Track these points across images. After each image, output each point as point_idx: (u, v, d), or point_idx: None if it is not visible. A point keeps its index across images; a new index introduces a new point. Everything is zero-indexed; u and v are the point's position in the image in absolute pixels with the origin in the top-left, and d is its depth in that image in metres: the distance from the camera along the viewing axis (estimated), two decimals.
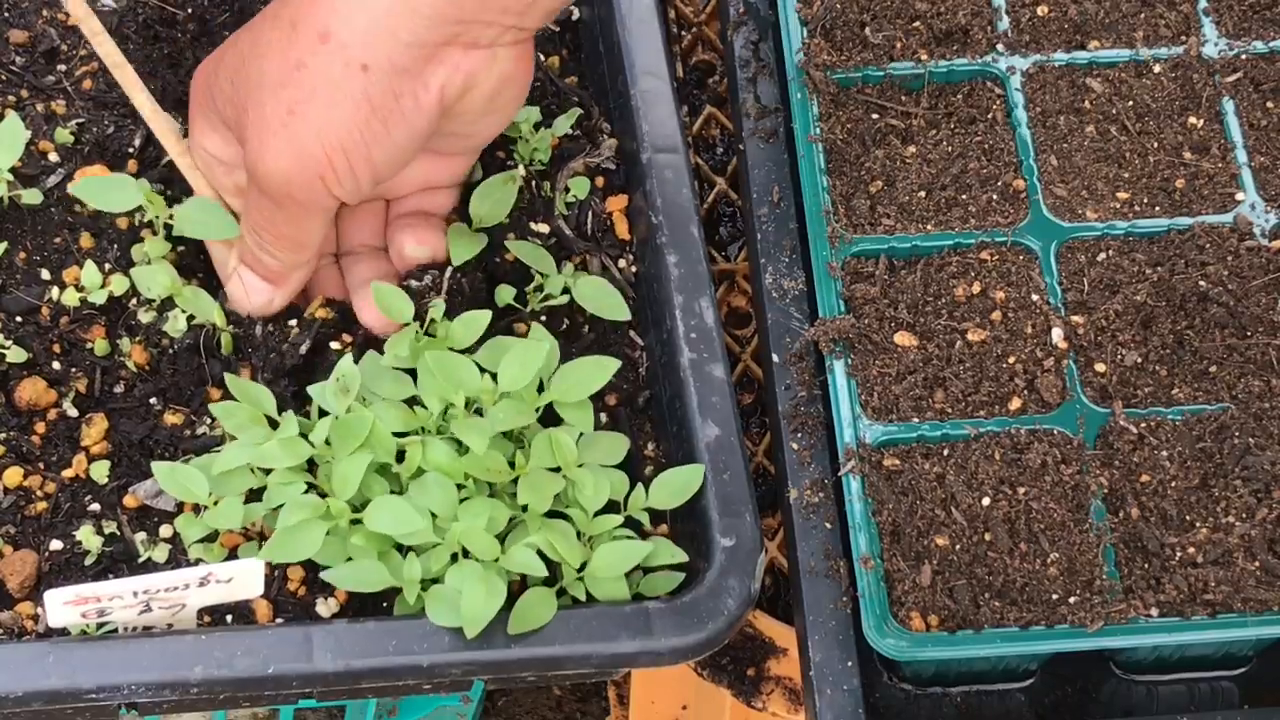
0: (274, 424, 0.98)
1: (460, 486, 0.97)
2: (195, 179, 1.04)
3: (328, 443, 0.97)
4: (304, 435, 0.98)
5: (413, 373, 1.01)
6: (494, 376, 0.99)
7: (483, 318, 1.02)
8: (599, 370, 1.01)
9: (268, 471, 0.97)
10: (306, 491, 0.97)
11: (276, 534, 0.95)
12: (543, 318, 1.06)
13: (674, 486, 0.99)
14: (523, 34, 0.97)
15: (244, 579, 0.92)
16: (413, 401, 1.00)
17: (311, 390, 1.00)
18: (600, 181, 1.13)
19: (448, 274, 1.04)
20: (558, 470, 0.98)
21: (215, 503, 0.97)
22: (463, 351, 1.01)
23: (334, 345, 1.03)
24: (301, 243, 1.01)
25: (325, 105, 0.93)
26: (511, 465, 0.98)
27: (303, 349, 1.02)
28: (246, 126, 0.96)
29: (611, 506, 0.99)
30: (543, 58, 1.17)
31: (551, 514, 0.98)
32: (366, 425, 0.97)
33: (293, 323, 1.04)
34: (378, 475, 0.97)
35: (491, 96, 0.98)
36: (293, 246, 1.01)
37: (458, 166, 1.07)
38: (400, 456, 0.97)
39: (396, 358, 1.00)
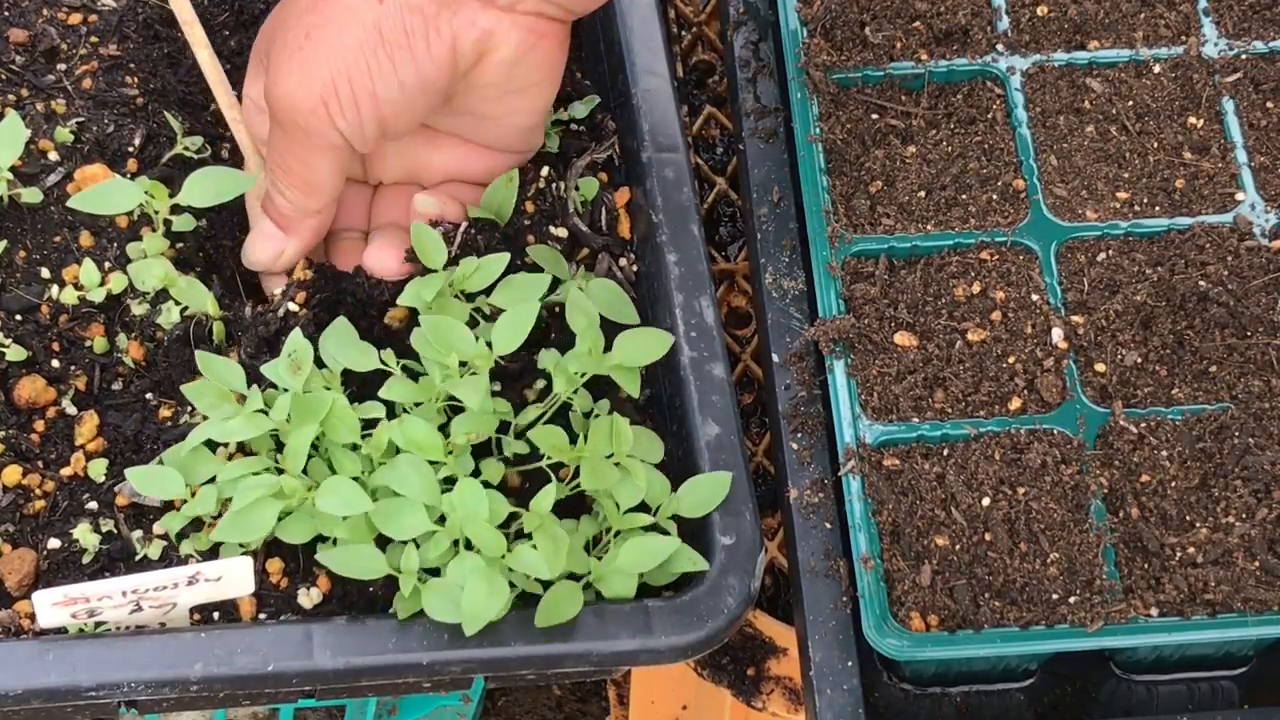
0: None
1: (436, 464, 0.95)
2: (238, 131, 1.07)
3: (289, 420, 0.96)
4: (266, 411, 0.97)
5: (401, 336, 1.01)
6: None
7: (499, 262, 1.02)
8: (658, 343, 1.02)
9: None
10: (266, 471, 0.96)
11: (228, 514, 0.94)
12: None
13: (701, 493, 0.98)
14: (548, 8, 0.97)
15: (233, 577, 0.92)
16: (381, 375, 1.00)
17: (265, 369, 0.99)
18: (604, 177, 1.13)
19: (462, 228, 1.03)
20: (610, 457, 0.97)
21: (193, 494, 0.97)
22: (474, 296, 1.01)
23: (291, 306, 1.03)
24: (311, 182, 1.01)
25: (338, 30, 0.95)
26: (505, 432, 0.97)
27: (280, 313, 1.02)
28: (272, 56, 0.99)
29: (638, 505, 0.98)
30: None
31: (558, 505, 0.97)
32: (325, 403, 0.96)
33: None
34: (349, 454, 0.97)
35: (511, 67, 0.99)
36: (302, 185, 1.01)
37: (492, 162, 1.07)
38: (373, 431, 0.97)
39: (421, 301, 1.00)
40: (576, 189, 1.11)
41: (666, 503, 0.98)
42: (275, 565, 0.98)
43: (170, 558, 0.97)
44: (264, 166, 1.05)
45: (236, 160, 1.12)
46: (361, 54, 0.95)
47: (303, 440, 0.95)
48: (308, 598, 0.97)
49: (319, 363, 0.99)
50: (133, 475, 0.97)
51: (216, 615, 0.96)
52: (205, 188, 1.04)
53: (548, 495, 0.94)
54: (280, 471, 0.96)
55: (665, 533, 0.98)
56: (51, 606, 0.90)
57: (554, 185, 1.10)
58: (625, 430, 0.98)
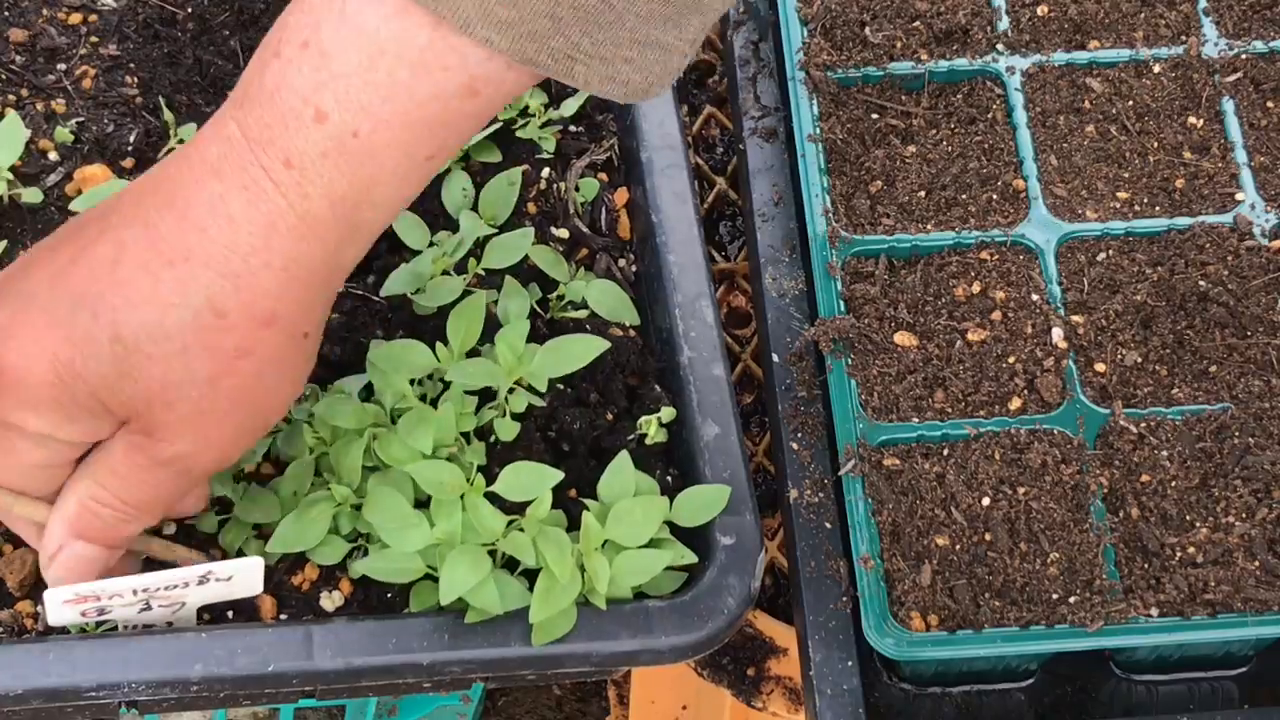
0: None
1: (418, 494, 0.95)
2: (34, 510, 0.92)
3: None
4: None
5: None
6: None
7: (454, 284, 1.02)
8: (585, 349, 0.99)
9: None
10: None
11: (285, 520, 0.95)
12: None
13: (696, 505, 0.98)
14: None
15: (244, 577, 0.92)
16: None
17: None
18: (604, 177, 1.13)
19: None
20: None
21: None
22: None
23: None
24: (180, 499, 0.94)
25: (274, 383, 0.87)
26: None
27: None
28: (170, 421, 0.85)
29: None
30: None
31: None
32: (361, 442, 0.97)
33: None
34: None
35: None
36: (171, 507, 0.93)
37: None
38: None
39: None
40: (577, 189, 1.11)
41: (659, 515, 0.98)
42: (312, 572, 0.97)
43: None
44: (91, 499, 0.90)
45: None
46: (297, 391, 0.89)
47: (354, 456, 0.96)
48: (329, 600, 0.97)
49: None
50: None
51: (231, 614, 0.96)
52: None
53: (543, 503, 0.94)
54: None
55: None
56: (62, 604, 0.90)
57: (555, 186, 1.10)
58: (593, 528, 0.95)
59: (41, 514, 0.90)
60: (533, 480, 0.94)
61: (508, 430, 0.98)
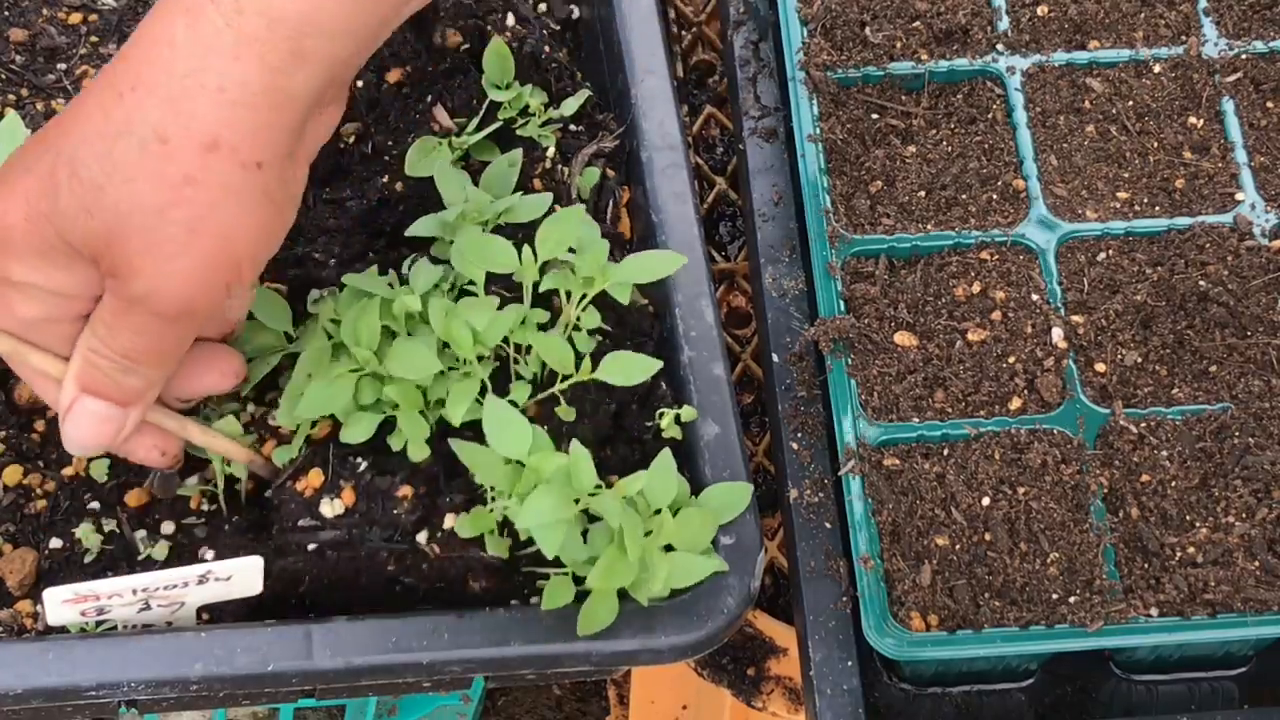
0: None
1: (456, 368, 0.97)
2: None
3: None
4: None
5: None
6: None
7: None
8: (664, 263, 1.01)
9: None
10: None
11: (309, 388, 0.95)
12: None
13: (722, 504, 0.97)
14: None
15: (243, 576, 0.92)
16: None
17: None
18: (611, 172, 1.13)
19: None
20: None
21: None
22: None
23: None
24: (177, 354, 0.92)
25: (231, 215, 0.85)
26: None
27: None
28: (129, 256, 0.85)
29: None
30: (547, 50, 1.17)
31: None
32: (375, 301, 0.97)
33: None
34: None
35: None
36: (167, 360, 0.91)
37: None
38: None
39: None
40: (580, 174, 1.11)
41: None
42: (316, 479, 0.97)
43: (177, 557, 0.97)
44: (92, 349, 0.90)
45: None
46: (262, 228, 0.86)
47: (370, 319, 0.96)
48: (330, 507, 0.96)
49: None
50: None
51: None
52: None
53: (636, 480, 0.94)
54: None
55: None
56: (61, 604, 0.90)
57: (559, 169, 1.10)
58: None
59: (54, 367, 0.90)
60: (635, 368, 0.97)
61: (585, 343, 1.00)
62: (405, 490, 0.96)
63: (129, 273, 0.85)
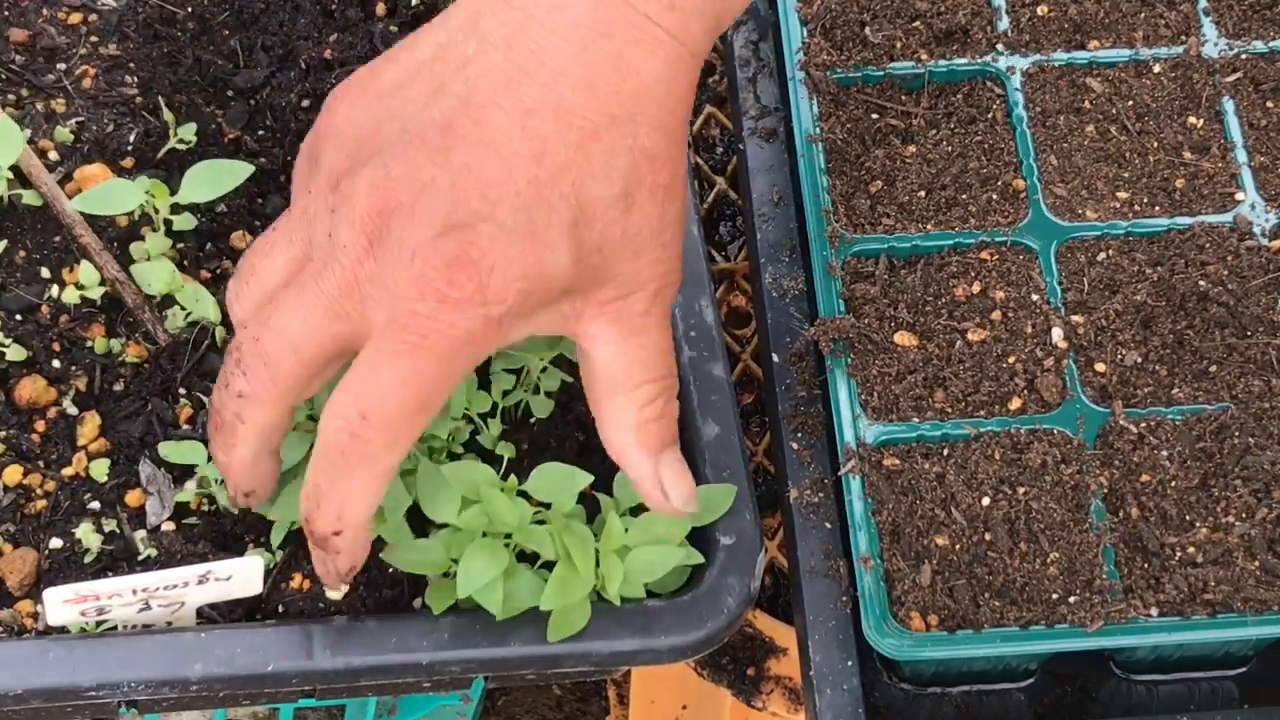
0: None
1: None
2: None
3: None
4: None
5: None
6: None
7: None
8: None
9: None
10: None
11: (284, 491, 0.94)
12: None
13: (708, 501, 0.97)
14: None
15: (244, 576, 0.92)
16: None
17: None
18: None
19: None
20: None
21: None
22: None
23: None
24: None
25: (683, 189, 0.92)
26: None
27: None
28: (638, 271, 0.89)
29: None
30: None
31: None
32: None
33: None
34: None
35: None
36: None
37: None
38: None
39: None
40: None
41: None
42: (297, 578, 0.97)
43: (175, 556, 0.97)
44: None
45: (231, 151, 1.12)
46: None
47: None
48: (336, 591, 0.96)
49: None
50: (164, 449, 0.98)
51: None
52: (204, 182, 1.04)
53: (570, 500, 0.95)
54: None
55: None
56: (62, 604, 0.90)
57: None
58: (616, 528, 0.96)
59: None
60: (562, 481, 0.95)
61: (542, 407, 1.00)
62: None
63: (641, 283, 0.89)
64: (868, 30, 1.14)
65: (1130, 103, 1.12)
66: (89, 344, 1.04)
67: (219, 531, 0.98)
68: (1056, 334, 1.02)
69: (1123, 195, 1.08)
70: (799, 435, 1.04)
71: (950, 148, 1.11)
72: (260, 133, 1.14)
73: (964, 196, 1.08)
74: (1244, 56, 1.13)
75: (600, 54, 0.84)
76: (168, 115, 1.11)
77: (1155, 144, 1.10)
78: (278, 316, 0.86)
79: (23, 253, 1.07)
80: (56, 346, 1.03)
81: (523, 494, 0.94)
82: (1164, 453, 0.98)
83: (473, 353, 0.85)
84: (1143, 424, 0.99)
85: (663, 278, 0.90)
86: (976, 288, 1.05)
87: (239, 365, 0.88)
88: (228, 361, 0.89)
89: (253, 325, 0.88)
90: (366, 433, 0.84)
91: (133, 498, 0.99)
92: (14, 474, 1.00)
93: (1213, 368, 1.01)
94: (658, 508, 0.92)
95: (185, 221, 1.07)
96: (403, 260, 0.83)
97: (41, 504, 0.99)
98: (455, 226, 0.83)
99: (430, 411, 0.85)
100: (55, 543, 0.98)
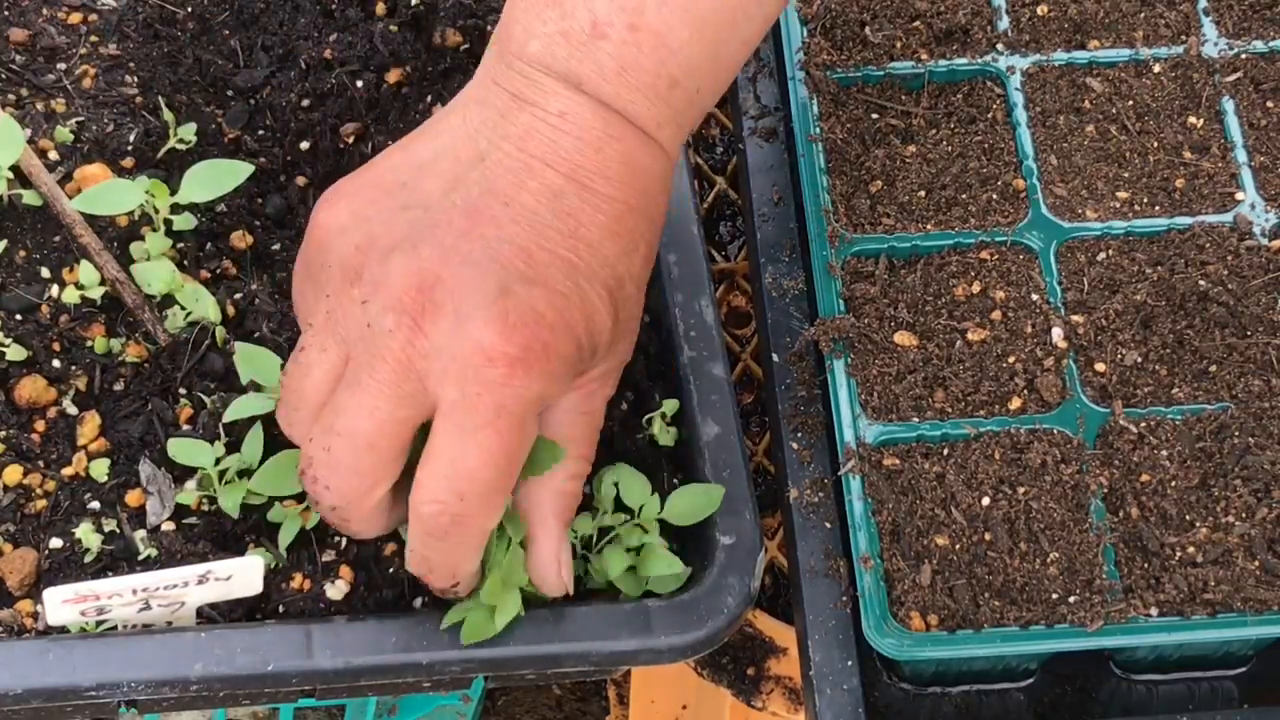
0: None
1: None
2: None
3: None
4: None
5: None
6: None
7: None
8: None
9: None
10: None
11: (262, 468, 0.95)
12: None
13: (689, 504, 0.98)
14: None
15: (244, 576, 0.92)
16: None
17: None
18: None
19: None
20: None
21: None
22: None
23: None
24: None
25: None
26: None
27: None
28: (620, 344, 0.93)
29: (620, 507, 0.98)
30: None
31: None
32: None
33: None
34: None
35: None
36: None
37: None
38: None
39: None
40: None
41: (648, 504, 0.97)
42: (298, 578, 0.97)
43: (176, 558, 0.97)
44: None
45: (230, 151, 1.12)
46: None
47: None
48: (335, 589, 0.96)
49: None
50: (173, 448, 0.98)
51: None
52: (204, 181, 1.04)
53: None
54: None
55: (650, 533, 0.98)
56: (61, 604, 0.90)
57: None
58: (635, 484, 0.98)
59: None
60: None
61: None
62: (389, 547, 0.96)
63: (620, 355, 0.94)
64: (868, 30, 1.14)
65: (1130, 103, 1.12)
66: (89, 344, 1.04)
67: (219, 531, 0.98)
68: (1056, 334, 1.02)
69: (1123, 195, 1.08)
70: (799, 435, 1.04)
71: (950, 148, 1.11)
72: (260, 133, 1.14)
73: (964, 196, 1.08)
74: (1244, 56, 1.13)
75: (613, 153, 0.87)
76: (168, 115, 1.11)
77: (1155, 144, 1.10)
78: (341, 420, 0.86)
79: (23, 253, 1.07)
80: (56, 346, 1.03)
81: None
82: (1164, 452, 0.98)
83: (535, 417, 0.86)
84: (1143, 424, 0.99)
85: (624, 362, 0.93)
86: (976, 287, 1.05)
87: (317, 483, 0.88)
88: (304, 480, 0.89)
89: (318, 436, 0.87)
90: (465, 511, 0.85)
91: (133, 498, 0.99)
92: (14, 474, 1.00)
93: (1213, 368, 1.01)
94: (543, 580, 0.93)
95: (185, 221, 1.07)
96: (463, 329, 0.83)
97: (41, 504, 0.99)
98: (510, 291, 0.84)
99: (516, 471, 0.86)
100: (55, 543, 0.98)
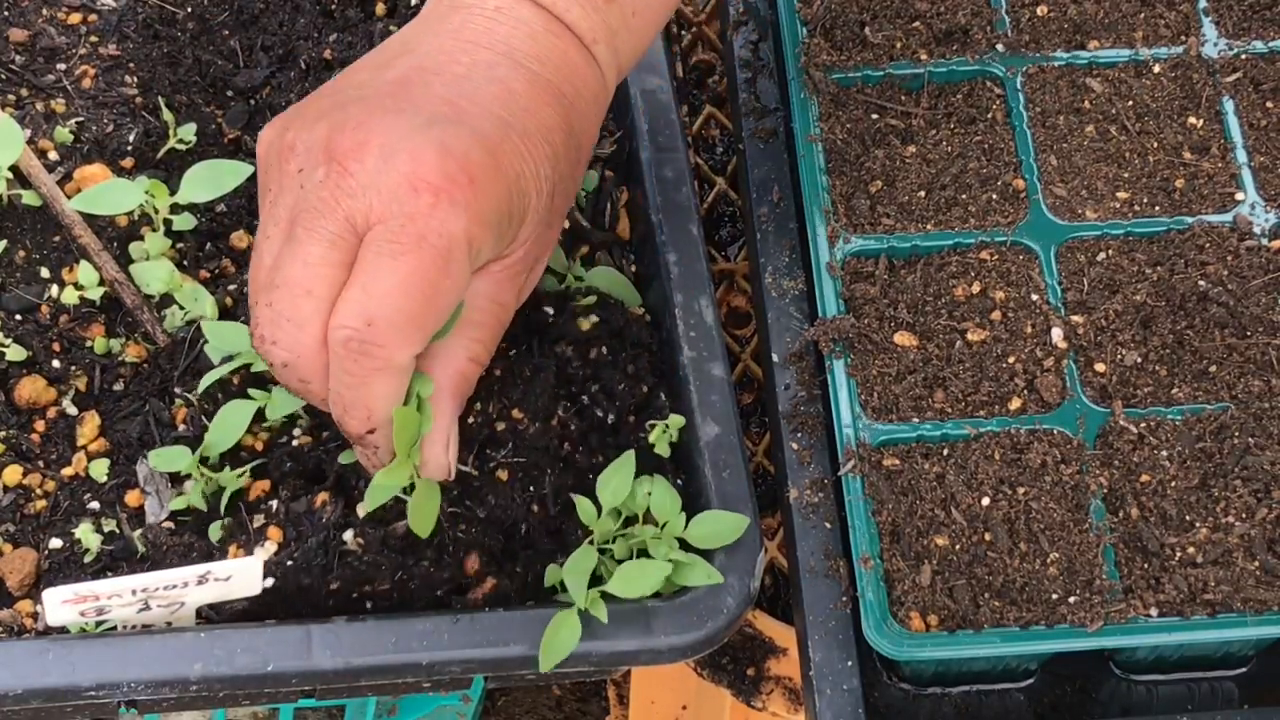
0: None
1: None
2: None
3: None
4: None
5: None
6: None
7: None
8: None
9: None
10: None
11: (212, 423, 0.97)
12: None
13: (713, 530, 0.97)
14: None
15: (242, 576, 0.92)
16: None
17: None
18: (610, 174, 1.13)
19: None
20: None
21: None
22: None
23: None
24: None
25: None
26: None
27: None
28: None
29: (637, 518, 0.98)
30: None
31: None
32: None
33: None
34: None
35: None
36: None
37: None
38: None
39: None
40: None
41: (673, 522, 0.97)
42: (232, 549, 0.97)
43: (174, 556, 0.97)
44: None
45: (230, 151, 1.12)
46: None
47: None
48: (264, 551, 0.96)
49: None
50: (154, 457, 0.98)
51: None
52: (204, 182, 1.04)
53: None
54: None
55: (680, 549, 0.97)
56: (61, 604, 0.90)
57: None
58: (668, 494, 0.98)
59: None
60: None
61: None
62: (322, 497, 0.96)
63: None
64: (868, 30, 1.14)
65: (1130, 103, 1.12)
66: (89, 344, 1.04)
67: (205, 525, 0.98)
68: (1056, 334, 1.02)
69: (1123, 195, 1.08)
70: (799, 435, 1.04)
71: (950, 148, 1.11)
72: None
73: (964, 196, 1.08)
74: (1244, 56, 1.13)
75: (549, 44, 0.87)
76: (168, 115, 1.11)
77: (1155, 144, 1.10)
78: (279, 274, 0.85)
79: (22, 253, 1.07)
80: (56, 346, 1.03)
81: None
82: (1164, 453, 0.98)
83: (465, 259, 0.84)
84: (1143, 424, 0.99)
85: (545, 256, 0.91)
86: (976, 288, 1.05)
87: (265, 341, 0.87)
88: (255, 344, 0.88)
89: (262, 296, 0.86)
90: (375, 338, 0.83)
91: (132, 498, 0.99)
92: (14, 474, 1.00)
93: (1213, 368, 1.01)
94: (428, 458, 0.90)
95: (185, 221, 1.07)
96: (389, 163, 0.82)
97: (41, 504, 0.99)
98: (437, 126, 0.83)
99: (435, 314, 0.84)
100: (55, 543, 0.98)
